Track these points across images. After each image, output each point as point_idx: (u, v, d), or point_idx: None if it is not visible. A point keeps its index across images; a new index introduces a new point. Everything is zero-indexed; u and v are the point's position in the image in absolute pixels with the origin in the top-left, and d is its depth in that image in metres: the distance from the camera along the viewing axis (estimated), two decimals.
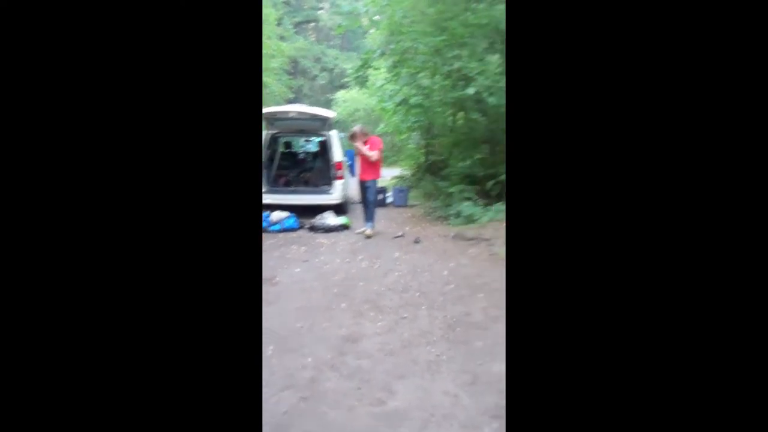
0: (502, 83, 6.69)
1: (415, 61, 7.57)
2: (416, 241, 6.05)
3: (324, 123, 7.90)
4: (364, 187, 6.51)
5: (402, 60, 7.86)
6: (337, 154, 7.59)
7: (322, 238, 6.37)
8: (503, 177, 7.21)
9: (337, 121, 10.50)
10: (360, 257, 5.42)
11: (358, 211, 7.34)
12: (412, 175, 11.30)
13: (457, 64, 6.84)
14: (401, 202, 9.04)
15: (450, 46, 7.20)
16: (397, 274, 4.77)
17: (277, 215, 6.84)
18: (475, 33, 7.23)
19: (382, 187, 8.44)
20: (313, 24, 28.28)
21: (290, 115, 7.54)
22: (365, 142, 6.38)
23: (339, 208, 7.48)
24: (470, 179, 7.58)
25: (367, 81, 11.01)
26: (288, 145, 9.62)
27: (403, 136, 11.16)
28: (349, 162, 7.66)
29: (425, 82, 7.94)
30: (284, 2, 23.28)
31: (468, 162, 7.63)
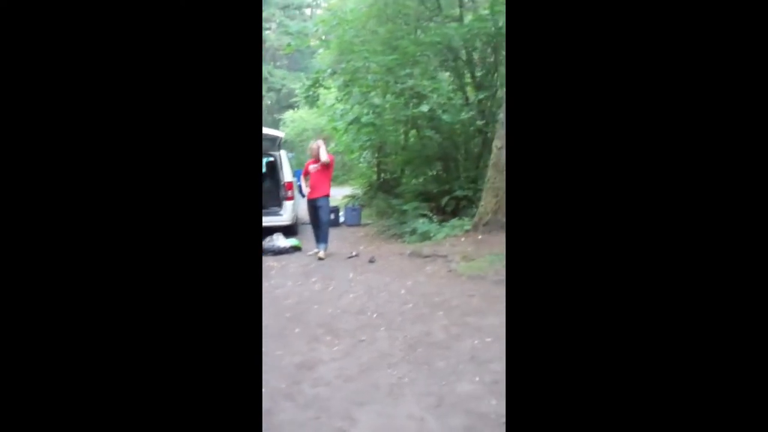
0: (455, 100, 6.73)
1: (367, 80, 7.53)
2: (371, 261, 5.90)
3: (273, 143, 7.71)
4: (315, 206, 6.31)
5: (353, 79, 7.81)
6: (287, 174, 7.39)
7: (272, 261, 6.12)
8: (458, 193, 7.24)
9: (285, 141, 10.29)
10: (313, 279, 5.21)
11: (309, 232, 7.14)
12: (364, 193, 11.22)
13: (410, 83, 6.82)
14: (354, 221, 8.90)
15: (402, 65, 7.21)
16: (352, 295, 4.59)
17: None
18: (426, 51, 7.27)
19: (334, 207, 8.28)
20: None
21: None
22: (316, 160, 6.23)
23: (289, 230, 7.26)
24: (424, 196, 7.56)
25: (317, 100, 10.89)
26: None
27: (354, 155, 11.07)
28: (297, 183, 7.47)
29: (377, 100, 7.91)
30: None
31: (421, 179, 7.62)
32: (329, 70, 9.05)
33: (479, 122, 7.25)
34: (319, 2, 27.31)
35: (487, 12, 7.13)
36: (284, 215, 7.28)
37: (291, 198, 7.32)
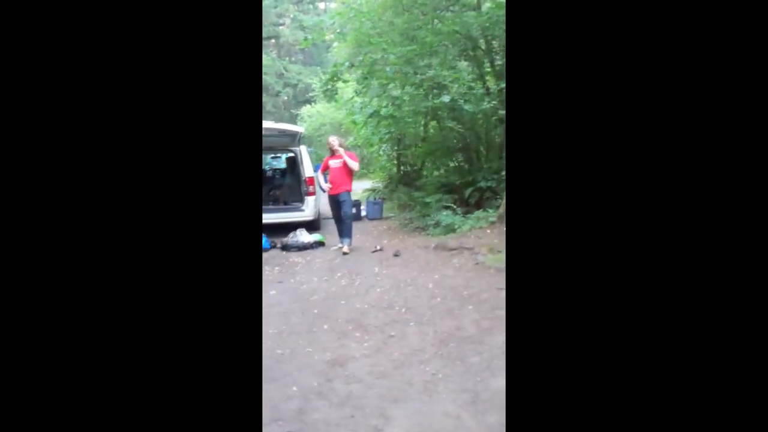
0: (476, 90, 6.62)
1: (385, 72, 7.44)
2: (396, 255, 5.85)
3: (293, 138, 7.69)
4: (337, 201, 6.27)
5: (371, 71, 7.72)
6: (308, 170, 7.37)
7: (296, 257, 6.11)
8: (481, 184, 7.13)
9: (303, 137, 10.30)
10: (339, 274, 5.19)
11: (331, 226, 7.11)
12: (385, 186, 11.15)
13: (430, 73, 6.72)
14: (376, 215, 8.85)
15: (420, 56, 7.11)
16: (379, 290, 4.55)
17: None
18: (445, 41, 7.16)
19: (355, 201, 8.24)
20: (273, 40, 28.06)
21: None
22: (337, 156, 6.19)
23: (311, 225, 7.24)
24: (446, 188, 7.46)
25: (335, 94, 10.84)
26: None
27: (374, 148, 11.01)
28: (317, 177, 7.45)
29: (395, 92, 7.82)
30: None
31: (443, 171, 7.53)
32: (347, 63, 8.98)
33: (501, 112, 7.12)
34: None
35: None
36: (306, 210, 7.26)
37: (312, 193, 7.29)
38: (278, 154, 9.85)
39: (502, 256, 5.06)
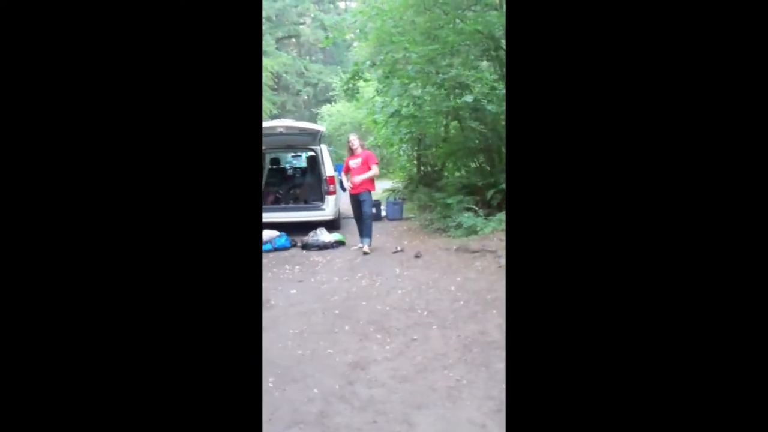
0: (499, 90, 6.52)
1: (407, 71, 7.38)
2: (417, 256, 5.79)
3: (314, 137, 7.68)
4: (358, 201, 6.25)
5: (393, 70, 7.66)
6: (329, 169, 7.36)
7: (316, 256, 6.09)
8: (504, 186, 7.02)
9: (324, 135, 10.31)
10: (359, 275, 5.15)
11: (351, 226, 7.08)
12: (405, 187, 11.09)
13: (452, 72, 6.64)
14: (396, 215, 8.80)
15: (442, 55, 7.03)
16: (401, 291, 4.50)
17: (267, 234, 6.48)
18: (467, 40, 7.07)
19: (376, 201, 8.20)
20: (294, 39, 28.16)
21: (278, 130, 7.25)
22: (357, 155, 6.17)
23: (332, 224, 7.22)
24: (468, 189, 7.37)
25: (356, 93, 10.80)
26: (275, 161, 9.37)
27: (394, 148, 10.95)
28: (338, 177, 7.42)
29: (416, 92, 7.76)
30: (265, 18, 23.14)
31: (464, 171, 7.43)
32: (368, 62, 8.93)
33: None
34: None
35: None
36: (327, 210, 7.25)
37: (333, 192, 7.27)
38: (299, 153, 9.84)
39: None
